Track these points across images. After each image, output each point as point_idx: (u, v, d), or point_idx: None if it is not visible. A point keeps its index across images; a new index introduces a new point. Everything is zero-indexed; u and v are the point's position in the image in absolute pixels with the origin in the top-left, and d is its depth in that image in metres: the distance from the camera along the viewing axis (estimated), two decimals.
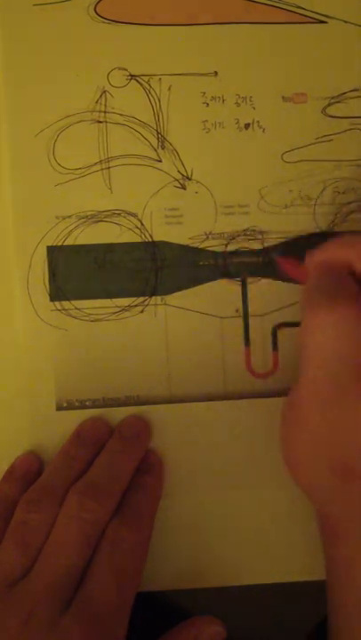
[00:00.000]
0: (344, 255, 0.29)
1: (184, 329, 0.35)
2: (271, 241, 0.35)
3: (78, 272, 0.34)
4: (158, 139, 0.34)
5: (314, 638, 0.35)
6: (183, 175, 0.34)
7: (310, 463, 0.29)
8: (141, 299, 0.35)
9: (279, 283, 0.35)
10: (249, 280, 0.35)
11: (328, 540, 0.30)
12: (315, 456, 0.29)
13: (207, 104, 0.34)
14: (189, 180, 0.34)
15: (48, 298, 0.34)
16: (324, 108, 0.34)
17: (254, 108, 0.34)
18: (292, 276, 0.34)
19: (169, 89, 0.34)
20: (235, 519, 0.35)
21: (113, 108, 0.34)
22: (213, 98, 0.34)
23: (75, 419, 0.34)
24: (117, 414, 0.35)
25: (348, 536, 0.29)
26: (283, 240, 0.35)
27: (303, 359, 0.29)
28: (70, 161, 0.34)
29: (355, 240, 0.30)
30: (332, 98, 0.34)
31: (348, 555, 0.29)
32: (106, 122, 0.34)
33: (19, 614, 0.28)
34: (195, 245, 0.35)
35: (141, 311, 0.35)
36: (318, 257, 0.30)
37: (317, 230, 0.35)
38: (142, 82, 0.34)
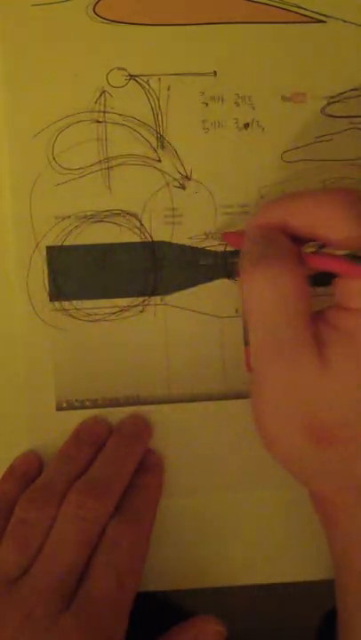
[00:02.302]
0: (276, 216, 0.29)
1: (184, 329, 0.35)
2: None
3: (78, 272, 0.35)
4: (158, 139, 0.34)
5: (324, 626, 0.34)
6: (183, 175, 0.34)
7: (278, 429, 0.28)
8: (141, 299, 0.35)
9: None
10: None
11: (323, 521, 0.30)
12: (281, 420, 0.28)
13: (206, 104, 0.34)
14: (189, 179, 0.34)
15: (48, 298, 0.34)
16: (324, 108, 0.34)
17: (254, 108, 0.34)
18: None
19: (168, 89, 0.34)
20: (235, 519, 0.35)
21: (112, 108, 0.34)
22: (213, 97, 0.34)
23: (75, 419, 0.34)
24: (117, 414, 0.35)
25: (340, 516, 0.29)
26: None
27: (249, 324, 0.28)
28: (70, 161, 0.34)
29: (284, 199, 0.29)
30: (332, 97, 0.34)
31: (344, 536, 0.29)
32: (105, 122, 0.34)
33: (18, 612, 0.28)
34: (195, 245, 0.35)
35: (141, 311, 0.35)
36: (253, 222, 0.30)
37: None
38: (141, 82, 0.34)
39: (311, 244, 0.28)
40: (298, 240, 0.29)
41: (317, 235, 0.27)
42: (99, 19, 0.34)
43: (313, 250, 0.28)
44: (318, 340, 0.27)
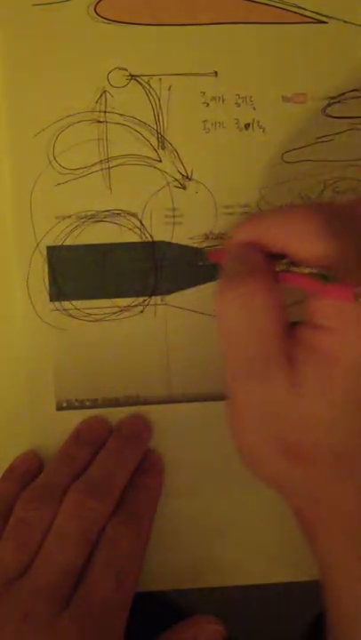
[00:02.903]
0: (252, 233, 0.28)
1: (184, 329, 0.35)
2: None
3: (78, 272, 0.35)
4: (158, 139, 0.34)
5: (312, 634, 0.35)
6: (183, 175, 0.34)
7: (254, 446, 0.28)
8: (141, 299, 0.35)
9: None
10: None
11: (304, 534, 0.30)
12: (256, 438, 0.28)
13: (207, 104, 0.34)
14: (189, 179, 0.34)
15: (48, 298, 0.34)
16: (324, 109, 0.34)
17: (254, 109, 0.34)
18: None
19: (169, 89, 0.34)
20: (235, 519, 0.35)
21: (113, 108, 0.34)
22: (213, 98, 0.34)
23: (75, 419, 0.35)
24: (117, 414, 0.35)
25: (319, 535, 0.28)
26: None
27: (221, 344, 0.28)
28: (70, 161, 0.34)
29: (259, 216, 0.29)
30: (332, 98, 0.34)
31: (323, 550, 0.28)
32: (106, 122, 0.34)
33: (17, 612, 0.28)
34: (195, 245, 0.35)
35: (141, 311, 0.35)
36: (232, 239, 0.29)
37: None
38: (142, 82, 0.34)
39: (283, 261, 0.27)
40: (275, 257, 0.28)
41: (289, 252, 0.27)
42: (100, 19, 0.34)
43: (283, 267, 0.27)
44: (291, 358, 0.27)
